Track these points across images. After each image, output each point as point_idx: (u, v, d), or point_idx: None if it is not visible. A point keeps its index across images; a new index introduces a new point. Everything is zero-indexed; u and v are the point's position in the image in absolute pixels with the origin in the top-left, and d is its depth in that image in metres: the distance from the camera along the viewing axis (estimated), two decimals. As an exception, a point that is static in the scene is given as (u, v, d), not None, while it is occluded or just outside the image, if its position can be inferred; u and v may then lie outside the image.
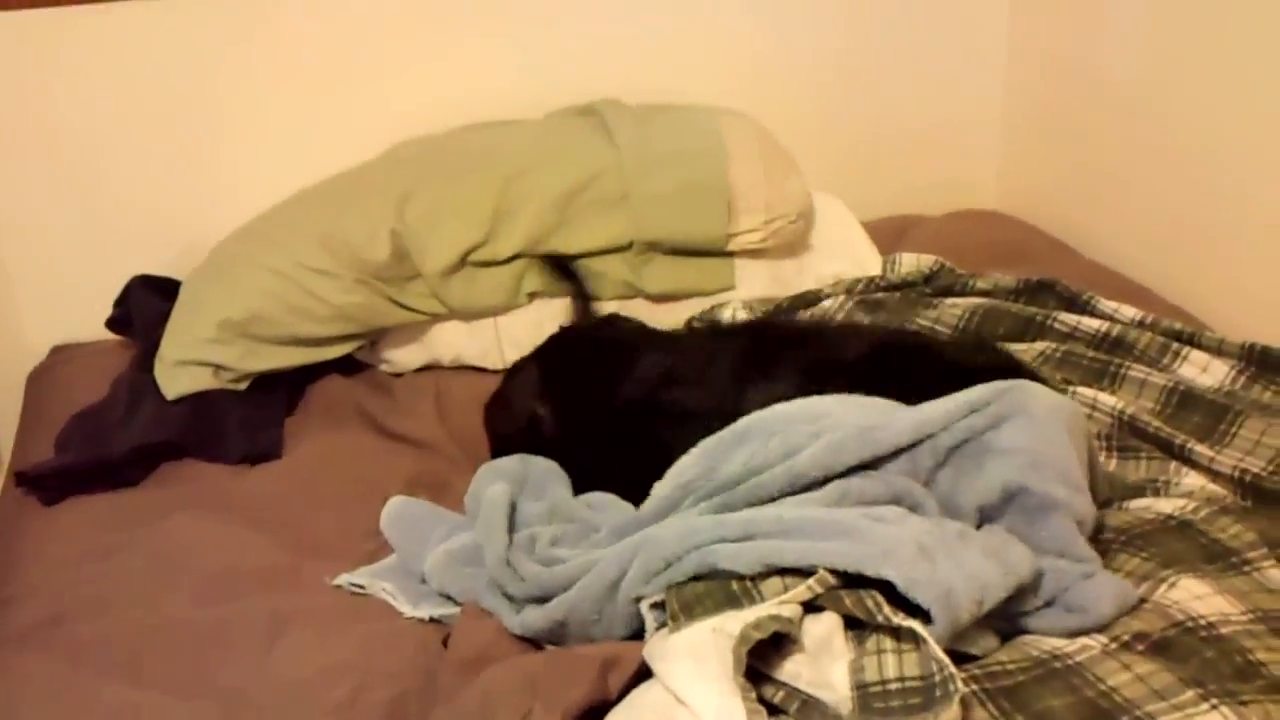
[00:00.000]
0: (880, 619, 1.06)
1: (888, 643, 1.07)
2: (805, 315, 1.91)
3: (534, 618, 1.26)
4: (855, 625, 1.11)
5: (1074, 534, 1.20)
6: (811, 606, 1.11)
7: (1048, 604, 1.16)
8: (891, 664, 1.05)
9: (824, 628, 1.09)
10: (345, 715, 1.21)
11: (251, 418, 1.78)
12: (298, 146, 2.11)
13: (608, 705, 1.11)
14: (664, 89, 2.18)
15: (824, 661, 1.08)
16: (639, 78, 2.20)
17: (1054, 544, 1.19)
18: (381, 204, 1.86)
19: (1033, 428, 1.25)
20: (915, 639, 1.05)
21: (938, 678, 1.01)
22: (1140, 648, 1.09)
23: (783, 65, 2.34)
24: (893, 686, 1.04)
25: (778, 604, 1.09)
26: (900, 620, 1.06)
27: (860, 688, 1.05)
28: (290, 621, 1.37)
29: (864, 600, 1.09)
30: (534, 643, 1.28)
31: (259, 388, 1.83)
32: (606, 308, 1.92)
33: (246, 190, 2.01)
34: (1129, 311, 1.84)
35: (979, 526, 1.24)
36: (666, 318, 1.91)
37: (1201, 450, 1.47)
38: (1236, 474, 1.43)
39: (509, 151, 1.95)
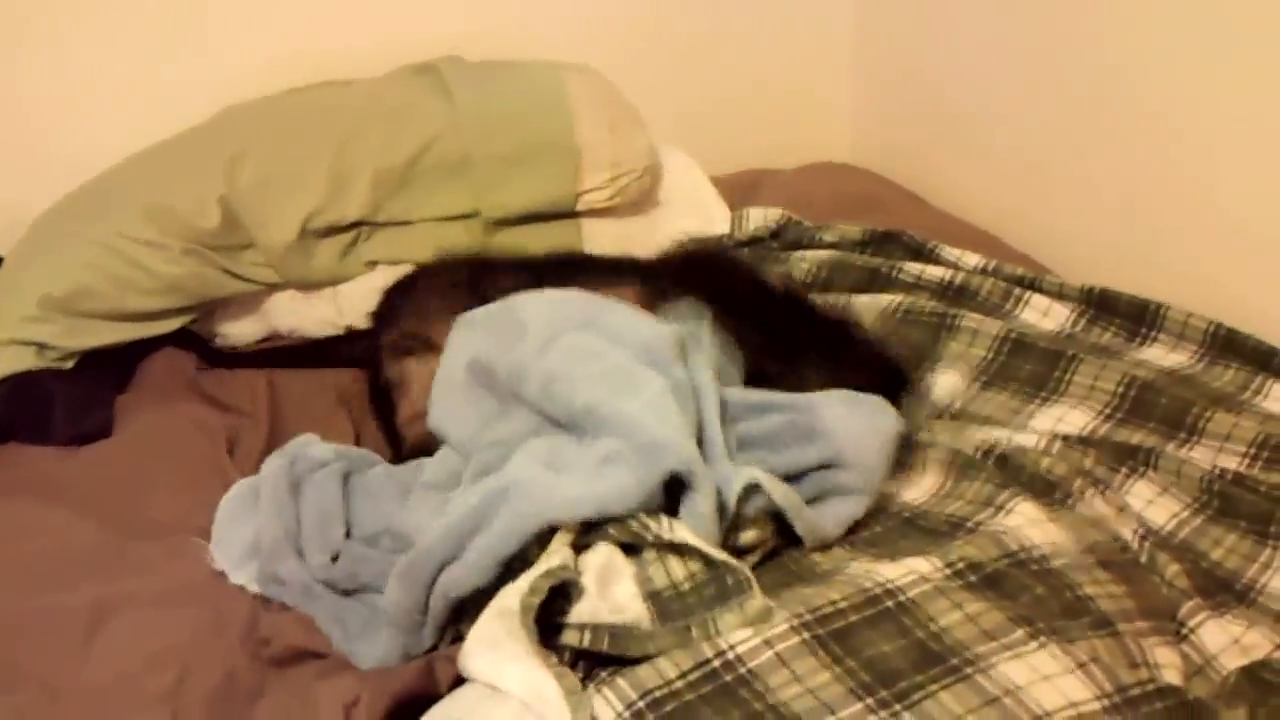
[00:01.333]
0: (651, 538, 1.07)
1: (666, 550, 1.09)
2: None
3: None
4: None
5: None
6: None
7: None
8: (676, 567, 1.08)
9: (601, 556, 1.09)
10: (170, 704, 1.16)
11: (78, 397, 1.69)
12: (122, 112, 2.00)
13: (436, 697, 1.09)
14: (508, 46, 2.13)
15: (613, 586, 1.08)
16: (481, 35, 2.14)
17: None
18: (210, 170, 1.78)
19: None
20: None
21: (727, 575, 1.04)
22: (973, 579, 1.10)
23: (629, 19, 2.31)
24: (684, 586, 1.07)
25: (544, 562, 1.07)
26: (672, 535, 1.08)
27: (652, 596, 1.06)
28: (116, 608, 1.30)
29: (629, 525, 1.10)
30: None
31: (86, 366, 1.74)
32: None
33: (67, 160, 1.90)
34: (972, 259, 1.86)
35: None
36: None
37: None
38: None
39: (342, 113, 1.88)
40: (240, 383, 1.74)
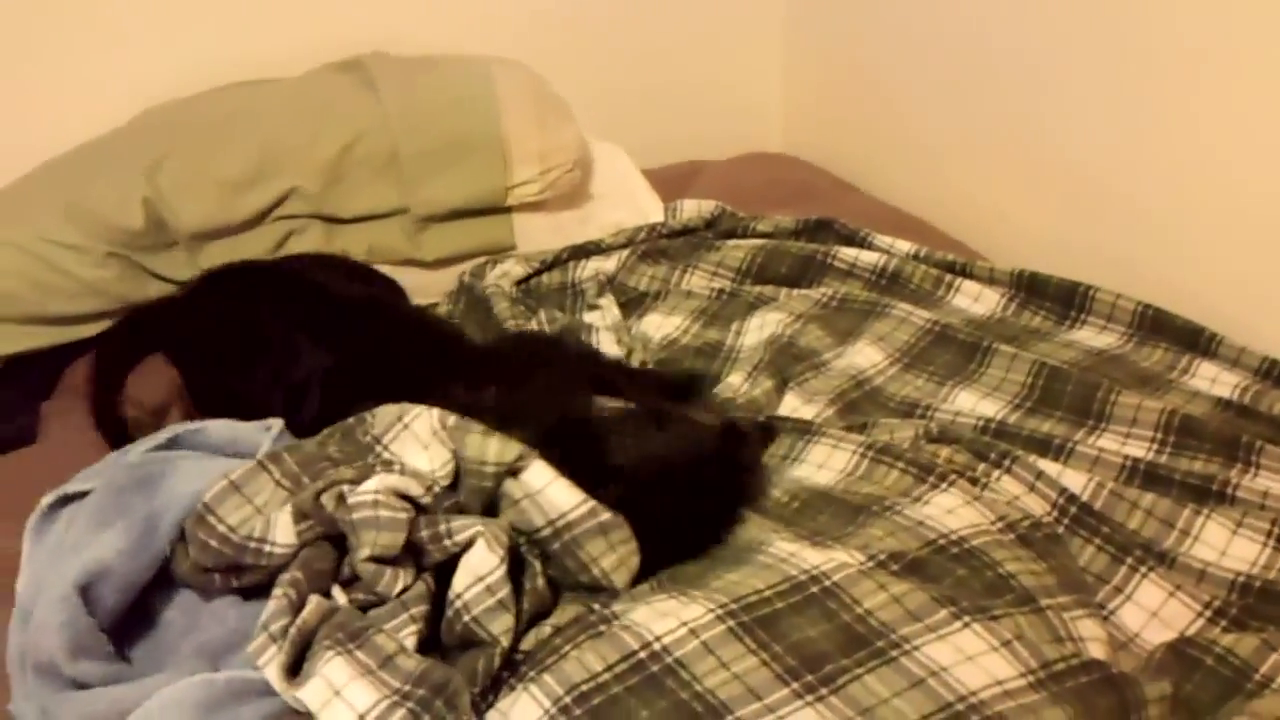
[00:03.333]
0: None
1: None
2: (586, 266, 1.88)
3: None
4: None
5: None
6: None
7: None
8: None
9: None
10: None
11: (2, 403, 1.67)
12: (41, 115, 1.97)
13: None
14: (435, 42, 2.11)
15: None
16: (408, 30, 2.13)
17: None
18: (132, 172, 1.75)
19: None
20: None
21: None
22: (895, 567, 1.10)
23: (558, 13, 2.30)
24: None
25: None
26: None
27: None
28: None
29: None
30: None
31: (10, 371, 1.71)
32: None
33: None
34: (904, 245, 1.87)
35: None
36: (442, 282, 1.88)
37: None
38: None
39: (266, 111, 1.86)
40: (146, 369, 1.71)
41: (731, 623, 1.03)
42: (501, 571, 1.07)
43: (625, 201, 2.02)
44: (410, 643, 1.06)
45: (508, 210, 1.90)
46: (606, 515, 1.12)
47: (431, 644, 1.11)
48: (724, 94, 2.49)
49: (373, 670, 1.02)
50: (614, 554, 1.13)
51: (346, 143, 1.80)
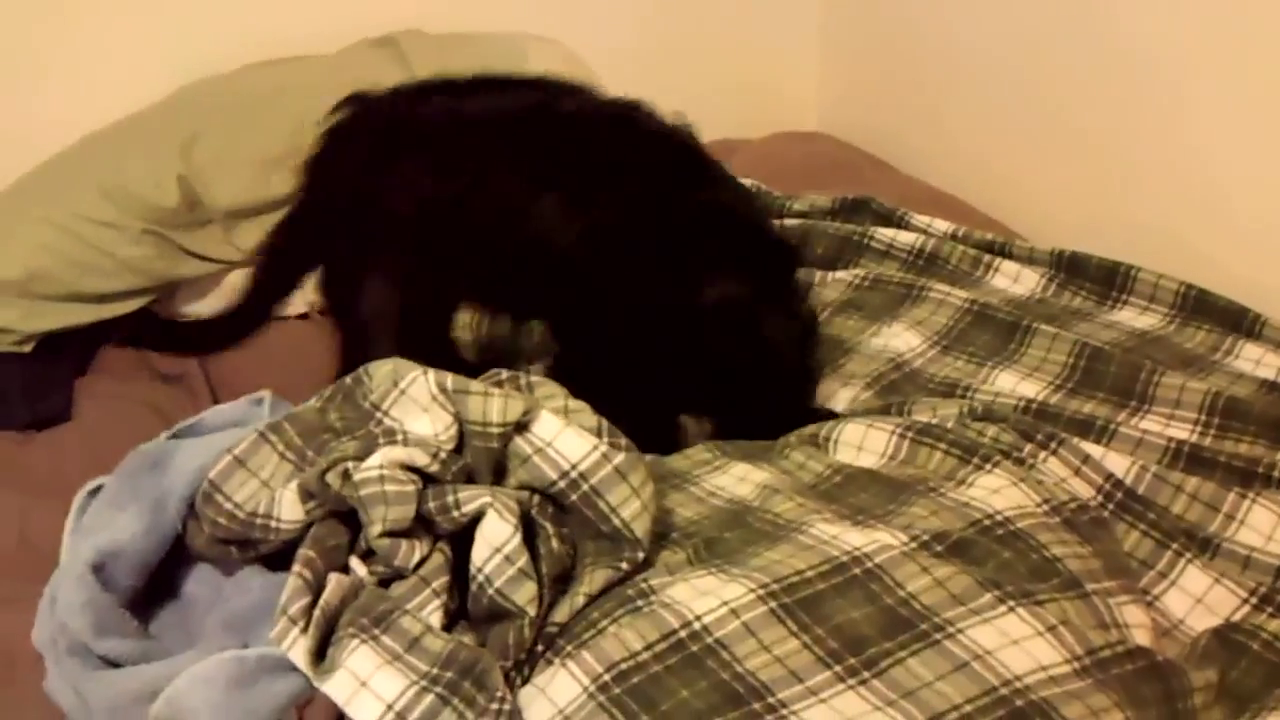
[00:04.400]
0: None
1: None
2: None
3: None
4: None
5: None
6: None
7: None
8: None
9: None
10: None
11: (37, 380, 1.67)
12: (77, 92, 1.96)
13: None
14: (470, 19, 2.10)
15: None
16: (442, 8, 2.10)
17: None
18: (167, 149, 1.74)
19: None
20: None
21: None
22: (939, 548, 1.08)
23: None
24: None
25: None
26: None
27: None
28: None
29: None
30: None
31: (45, 348, 1.71)
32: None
33: (21, 142, 1.85)
34: (941, 225, 1.85)
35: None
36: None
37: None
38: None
39: (301, 89, 1.84)
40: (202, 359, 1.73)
41: (773, 604, 1.01)
42: (517, 540, 1.06)
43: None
44: (436, 619, 1.05)
45: (540, 188, 1.89)
46: (620, 457, 1.10)
47: (460, 615, 1.10)
48: (760, 72, 2.47)
49: (399, 655, 1.01)
50: (636, 500, 1.10)
51: (381, 121, 1.80)
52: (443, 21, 2.07)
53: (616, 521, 1.10)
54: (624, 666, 0.98)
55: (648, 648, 0.99)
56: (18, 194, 1.81)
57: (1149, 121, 1.78)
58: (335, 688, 1.00)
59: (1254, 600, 1.16)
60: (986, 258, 1.76)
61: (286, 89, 1.86)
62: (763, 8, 2.44)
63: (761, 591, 1.02)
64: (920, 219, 1.87)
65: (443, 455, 1.13)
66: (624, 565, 1.10)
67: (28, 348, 1.70)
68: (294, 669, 1.04)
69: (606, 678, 0.97)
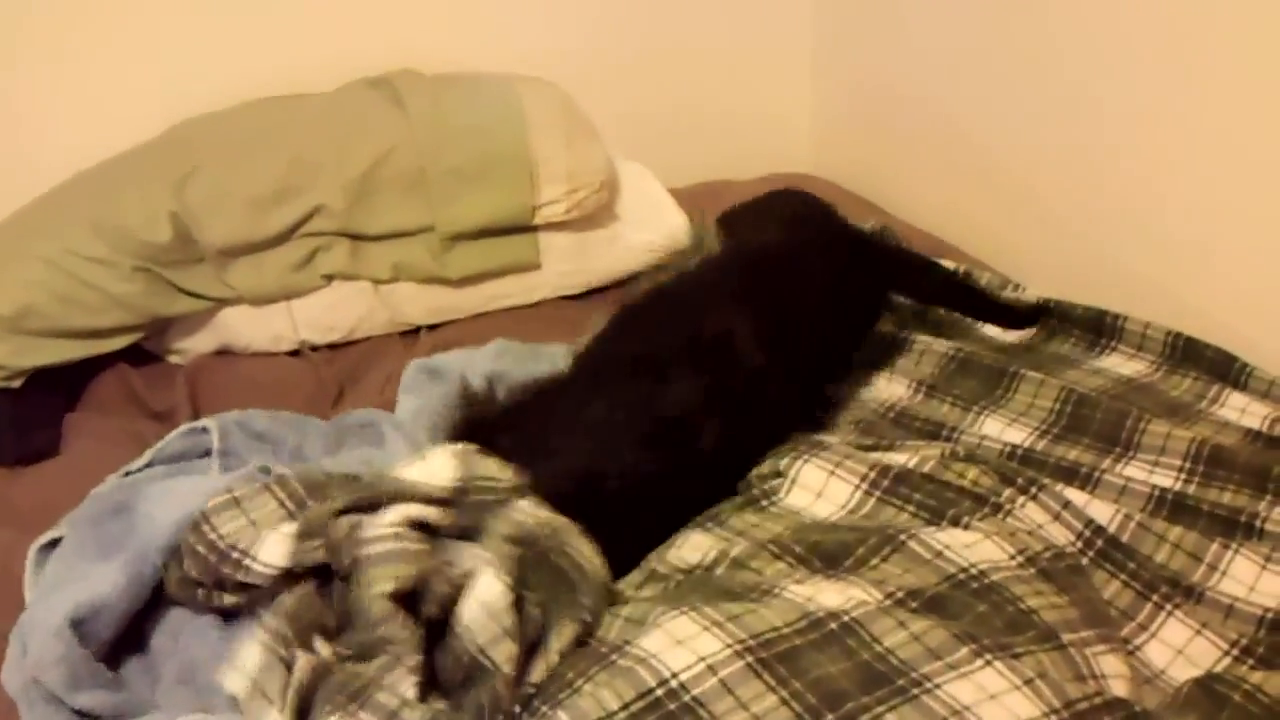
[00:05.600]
0: None
1: None
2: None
3: None
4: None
5: None
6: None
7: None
8: None
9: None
10: None
11: (26, 416, 1.68)
12: (71, 127, 1.98)
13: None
14: (464, 60, 2.11)
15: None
16: (437, 49, 2.12)
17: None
18: (161, 186, 1.76)
19: None
20: None
21: None
22: (914, 605, 1.08)
23: (586, 32, 2.30)
24: None
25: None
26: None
27: None
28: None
29: None
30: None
31: (35, 383, 1.72)
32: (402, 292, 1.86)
33: (13, 177, 1.88)
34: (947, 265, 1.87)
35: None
36: (467, 301, 1.88)
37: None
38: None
39: (295, 127, 1.86)
40: (168, 382, 1.75)
41: (750, 659, 1.01)
42: (508, 600, 1.07)
43: (652, 222, 2.01)
44: (411, 695, 1.05)
45: (534, 229, 1.90)
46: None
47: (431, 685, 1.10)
48: (752, 114, 2.49)
49: None
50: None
51: (374, 160, 1.81)
52: (437, 62, 2.08)
53: (586, 566, 1.13)
54: (600, 726, 0.98)
55: (624, 707, 0.99)
56: (10, 229, 1.82)
57: (1135, 173, 1.78)
58: None
59: (1235, 652, 1.15)
60: (977, 305, 1.77)
61: (280, 128, 1.87)
62: (755, 51, 2.45)
63: (739, 646, 1.02)
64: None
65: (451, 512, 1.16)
66: (586, 616, 1.11)
67: (17, 383, 1.70)
68: None
69: (582, 736, 0.97)
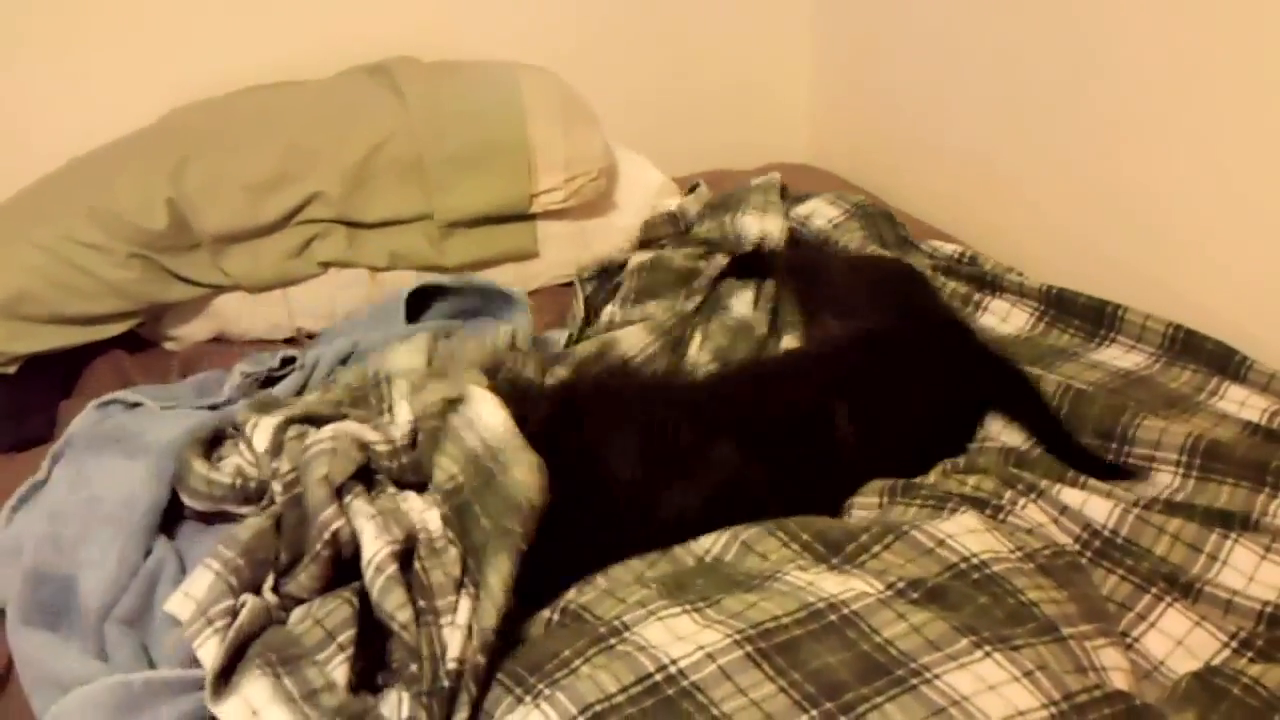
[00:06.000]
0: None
1: None
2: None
3: None
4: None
5: None
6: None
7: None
8: None
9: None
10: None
11: (20, 402, 1.67)
12: (67, 114, 1.97)
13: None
14: (462, 47, 2.10)
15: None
16: (436, 36, 2.12)
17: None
18: (156, 173, 1.74)
19: None
20: None
21: None
22: (914, 595, 1.08)
23: (586, 19, 2.29)
24: None
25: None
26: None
27: None
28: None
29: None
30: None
31: (30, 369, 1.71)
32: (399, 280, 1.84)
33: (9, 163, 1.87)
34: (949, 248, 1.88)
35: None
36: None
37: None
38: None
39: (292, 114, 1.85)
40: (164, 369, 1.75)
41: (749, 648, 1.01)
42: (386, 552, 1.11)
43: (650, 210, 2.00)
44: (339, 674, 1.06)
45: (532, 217, 1.89)
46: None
47: (371, 674, 1.12)
48: (750, 103, 2.48)
49: (294, 700, 1.03)
50: (535, 475, 1.14)
51: (371, 148, 1.80)
52: (435, 49, 2.07)
53: (513, 491, 1.13)
54: (599, 709, 0.97)
55: (623, 690, 0.99)
56: (5, 214, 1.80)
57: (1136, 166, 1.78)
58: (229, 711, 1.03)
59: (1234, 644, 1.15)
60: (977, 295, 1.77)
61: (277, 115, 1.86)
62: (754, 39, 2.45)
63: (738, 636, 1.02)
64: (927, 244, 1.89)
65: (398, 444, 1.25)
66: (520, 543, 1.11)
67: (11, 369, 1.69)
68: (178, 693, 1.07)
69: (580, 719, 0.97)
